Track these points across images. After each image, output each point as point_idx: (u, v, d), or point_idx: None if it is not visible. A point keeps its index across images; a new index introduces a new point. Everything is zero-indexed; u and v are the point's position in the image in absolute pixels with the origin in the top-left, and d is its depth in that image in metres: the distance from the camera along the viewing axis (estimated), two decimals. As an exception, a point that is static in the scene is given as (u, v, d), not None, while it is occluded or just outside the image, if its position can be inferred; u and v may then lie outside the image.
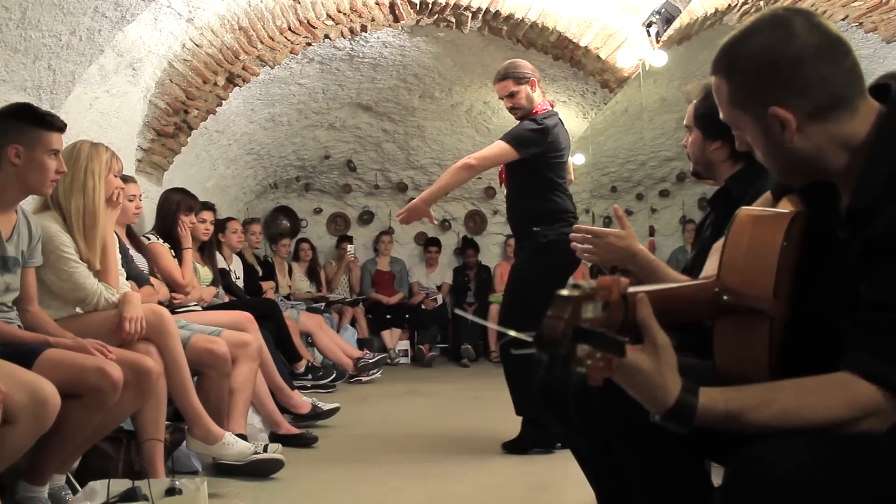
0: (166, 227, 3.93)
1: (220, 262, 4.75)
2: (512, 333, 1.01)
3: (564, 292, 0.96)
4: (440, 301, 7.76)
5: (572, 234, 1.79)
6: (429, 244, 8.16)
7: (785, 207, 1.25)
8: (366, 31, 4.82)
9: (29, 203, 2.55)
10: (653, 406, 1.06)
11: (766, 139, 1.16)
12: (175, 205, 3.96)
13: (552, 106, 3.55)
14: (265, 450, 2.92)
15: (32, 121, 2.29)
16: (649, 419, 1.08)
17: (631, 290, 1.05)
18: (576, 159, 6.52)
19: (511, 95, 3.43)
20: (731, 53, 1.17)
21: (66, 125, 2.38)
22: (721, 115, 1.23)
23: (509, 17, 4.69)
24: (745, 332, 1.14)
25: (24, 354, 2.09)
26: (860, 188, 1.10)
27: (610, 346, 0.96)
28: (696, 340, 1.31)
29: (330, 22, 4.51)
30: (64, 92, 3.35)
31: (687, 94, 2.00)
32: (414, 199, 3.40)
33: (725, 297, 1.15)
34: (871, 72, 1.12)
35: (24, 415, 1.86)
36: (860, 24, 4.60)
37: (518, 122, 3.47)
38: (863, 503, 1.00)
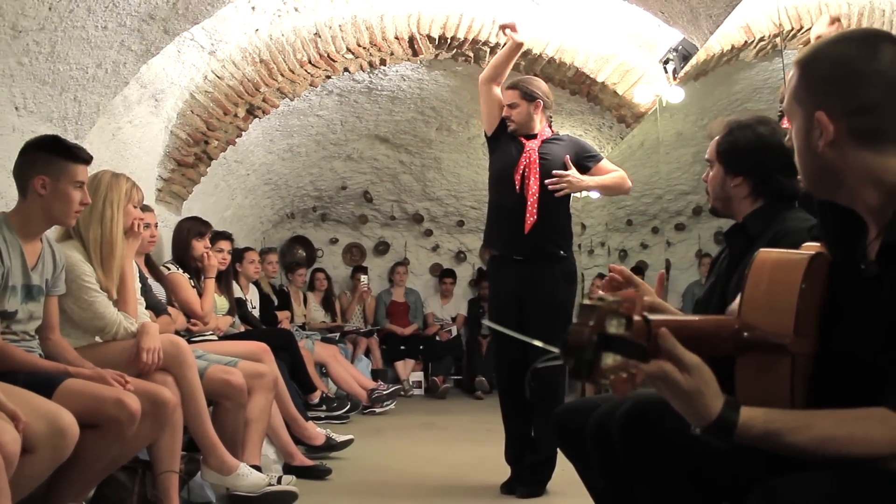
0: (181, 255, 3.98)
1: (237, 292, 4.77)
2: (537, 343, 1.04)
3: (589, 302, 0.99)
4: (455, 332, 7.74)
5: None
6: (444, 275, 8.16)
7: (811, 250, 1.25)
8: (385, 65, 4.88)
9: (51, 231, 2.58)
10: (695, 420, 1.09)
11: (803, 138, 1.19)
12: (186, 232, 4.01)
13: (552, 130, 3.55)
14: (279, 481, 2.92)
15: (59, 153, 2.32)
16: (690, 432, 1.10)
17: (652, 317, 1.06)
18: (592, 193, 6.52)
19: (512, 106, 3.41)
20: (816, 50, 1.20)
21: (91, 158, 2.40)
22: (784, 105, 1.25)
23: (527, 52, 4.72)
24: (767, 369, 1.15)
25: (45, 384, 2.10)
26: (893, 223, 1.11)
27: (633, 351, 0.99)
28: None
29: (350, 55, 4.58)
30: (88, 123, 3.40)
31: (710, 129, 2.00)
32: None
33: (746, 334, 1.17)
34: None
35: (43, 444, 1.87)
36: None
37: (508, 133, 3.46)
38: None
